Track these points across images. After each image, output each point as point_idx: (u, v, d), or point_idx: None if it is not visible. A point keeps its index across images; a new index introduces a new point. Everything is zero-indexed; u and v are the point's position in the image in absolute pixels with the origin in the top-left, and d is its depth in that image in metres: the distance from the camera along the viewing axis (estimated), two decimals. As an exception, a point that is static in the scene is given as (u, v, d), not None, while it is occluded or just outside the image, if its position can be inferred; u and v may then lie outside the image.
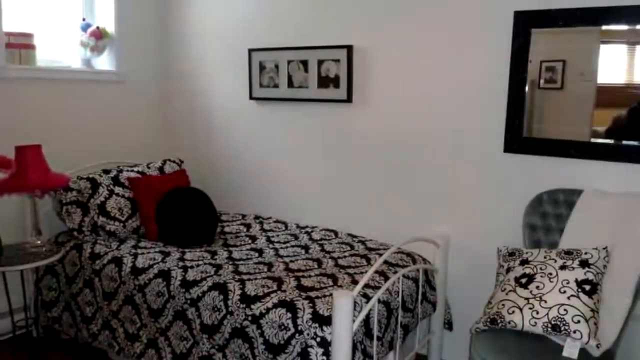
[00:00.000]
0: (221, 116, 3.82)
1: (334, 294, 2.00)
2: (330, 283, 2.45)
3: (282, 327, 2.18)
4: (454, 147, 2.93)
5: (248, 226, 3.38)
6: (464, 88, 2.87)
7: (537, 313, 2.14)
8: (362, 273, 2.57)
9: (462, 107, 2.89)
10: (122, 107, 3.79)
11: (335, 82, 3.25)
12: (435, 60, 2.93)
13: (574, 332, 2.07)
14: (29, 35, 3.25)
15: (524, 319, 2.16)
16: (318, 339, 2.10)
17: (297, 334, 2.15)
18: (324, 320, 2.14)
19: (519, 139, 2.73)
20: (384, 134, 3.15)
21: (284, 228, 3.36)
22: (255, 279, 2.48)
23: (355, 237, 3.19)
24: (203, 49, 3.82)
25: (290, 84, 3.42)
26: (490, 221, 2.86)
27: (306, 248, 2.97)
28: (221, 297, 2.38)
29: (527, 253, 2.39)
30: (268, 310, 2.25)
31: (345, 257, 2.83)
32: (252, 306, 2.29)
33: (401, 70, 3.05)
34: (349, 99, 3.22)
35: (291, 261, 2.75)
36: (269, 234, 3.24)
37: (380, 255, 2.79)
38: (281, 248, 2.97)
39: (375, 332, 2.25)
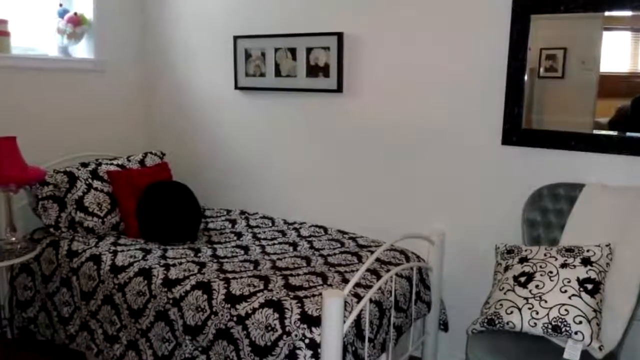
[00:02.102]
0: (205, 107, 3.70)
1: (324, 294, 1.94)
2: (320, 282, 2.38)
3: (269, 328, 2.11)
4: (450, 140, 2.84)
5: (233, 222, 3.29)
6: (460, 77, 2.77)
7: (537, 313, 2.07)
8: (353, 271, 2.50)
9: (458, 97, 2.79)
10: (101, 97, 3.66)
11: (324, 71, 3.14)
12: (430, 49, 2.84)
13: (576, 333, 2.00)
14: (2, 22, 3.12)
15: (523, 320, 2.08)
16: (307, 341, 2.04)
17: (284, 336, 2.08)
18: (313, 321, 2.07)
19: (518, 130, 2.65)
20: (376, 126, 3.05)
21: (271, 224, 3.27)
22: (241, 277, 2.41)
23: (346, 233, 3.10)
24: (186, 36, 3.70)
25: (278, 72, 3.30)
26: (488, 217, 2.78)
27: (294, 245, 2.88)
28: (205, 296, 2.31)
29: (526, 250, 2.32)
30: (254, 310, 2.18)
31: (335, 254, 2.74)
32: (238, 306, 2.22)
33: (394, 58, 2.95)
34: (339, 89, 3.11)
35: (278, 259, 2.67)
36: (255, 230, 3.15)
37: (372, 252, 2.71)
38: (268, 245, 2.88)
39: (367, 334, 2.19)
